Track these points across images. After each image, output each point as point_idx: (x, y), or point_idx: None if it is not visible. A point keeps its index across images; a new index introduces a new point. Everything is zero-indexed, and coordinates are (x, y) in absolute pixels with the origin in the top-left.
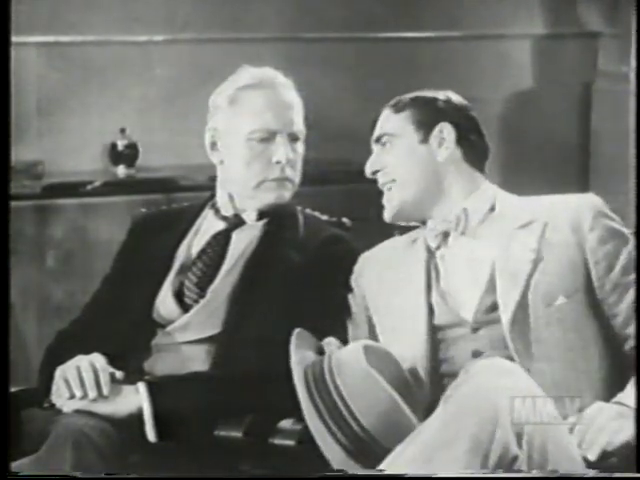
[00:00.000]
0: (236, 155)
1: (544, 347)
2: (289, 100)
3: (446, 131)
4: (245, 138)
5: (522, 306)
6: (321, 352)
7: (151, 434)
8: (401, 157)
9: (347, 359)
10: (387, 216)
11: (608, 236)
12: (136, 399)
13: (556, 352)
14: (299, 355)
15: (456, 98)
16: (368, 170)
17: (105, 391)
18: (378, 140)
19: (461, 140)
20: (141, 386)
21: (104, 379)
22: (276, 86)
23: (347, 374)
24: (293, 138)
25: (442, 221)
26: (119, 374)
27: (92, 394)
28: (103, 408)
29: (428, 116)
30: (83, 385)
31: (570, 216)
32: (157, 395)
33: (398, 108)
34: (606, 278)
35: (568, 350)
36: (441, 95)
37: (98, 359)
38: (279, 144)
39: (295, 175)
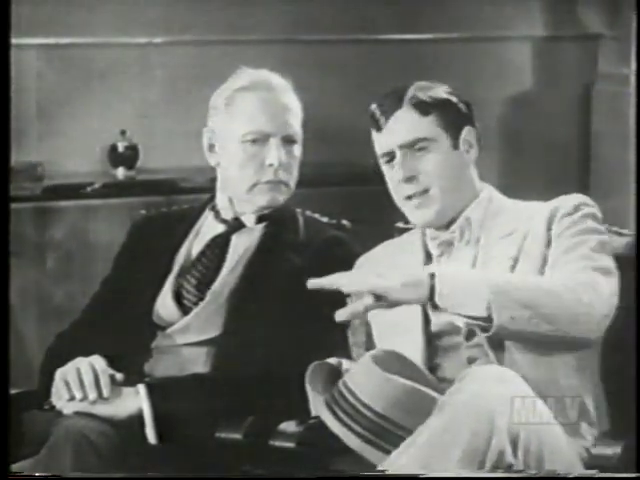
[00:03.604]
0: (231, 157)
1: (525, 352)
2: (285, 103)
3: (472, 136)
4: (239, 140)
5: None
6: (333, 375)
7: (151, 436)
8: (439, 163)
9: (360, 373)
10: (420, 221)
11: (574, 210)
12: (136, 401)
13: (539, 354)
14: (315, 391)
15: (459, 95)
16: (402, 175)
17: (105, 393)
18: (409, 146)
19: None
20: (141, 388)
21: (104, 381)
22: (272, 88)
23: (364, 385)
24: (288, 141)
25: (445, 230)
26: (119, 376)
27: (92, 396)
28: (103, 410)
29: (454, 120)
30: (83, 387)
31: (549, 215)
32: (157, 397)
33: (424, 111)
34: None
35: (553, 348)
36: (445, 92)
37: (98, 361)
38: (272, 147)
39: (290, 178)
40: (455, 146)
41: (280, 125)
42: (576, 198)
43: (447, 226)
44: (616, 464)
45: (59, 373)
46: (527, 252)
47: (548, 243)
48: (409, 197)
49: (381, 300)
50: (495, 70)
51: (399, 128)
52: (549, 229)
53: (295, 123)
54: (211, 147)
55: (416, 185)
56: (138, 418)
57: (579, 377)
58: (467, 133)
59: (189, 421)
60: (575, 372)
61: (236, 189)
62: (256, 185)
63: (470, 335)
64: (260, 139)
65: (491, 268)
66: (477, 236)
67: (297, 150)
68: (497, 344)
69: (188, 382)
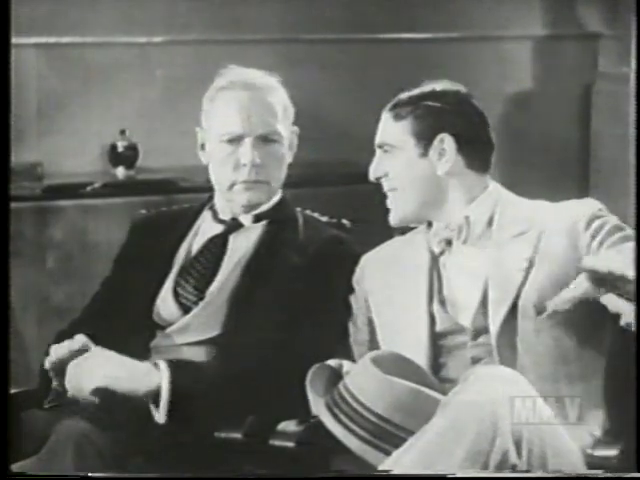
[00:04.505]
0: (214, 157)
1: (534, 357)
2: (267, 101)
3: (446, 143)
4: (218, 140)
5: (512, 316)
6: (333, 377)
7: (162, 414)
8: (401, 170)
9: (360, 376)
10: (392, 220)
11: (601, 228)
12: (156, 378)
13: (548, 361)
14: (315, 393)
15: (457, 93)
16: (371, 175)
17: (76, 346)
18: (380, 147)
19: (462, 149)
20: (162, 363)
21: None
22: (252, 87)
23: (364, 387)
24: (265, 140)
25: (445, 228)
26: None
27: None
28: (125, 385)
29: (429, 127)
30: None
31: (567, 221)
32: (175, 375)
33: (398, 116)
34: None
35: (561, 358)
36: (440, 93)
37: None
38: (245, 147)
39: (270, 177)
40: (423, 154)
41: (255, 125)
42: (593, 205)
43: (447, 224)
44: (616, 464)
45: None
46: (543, 254)
47: (574, 253)
48: (386, 194)
49: (601, 288)
50: (495, 69)
51: (379, 129)
52: (572, 238)
53: (275, 122)
54: (202, 146)
55: (387, 184)
56: (154, 396)
57: (582, 384)
58: (439, 141)
59: (200, 404)
60: (579, 379)
61: (220, 188)
62: (234, 185)
63: (476, 335)
64: (234, 139)
65: (506, 268)
66: (479, 234)
67: (278, 149)
68: (508, 345)
69: (205, 368)
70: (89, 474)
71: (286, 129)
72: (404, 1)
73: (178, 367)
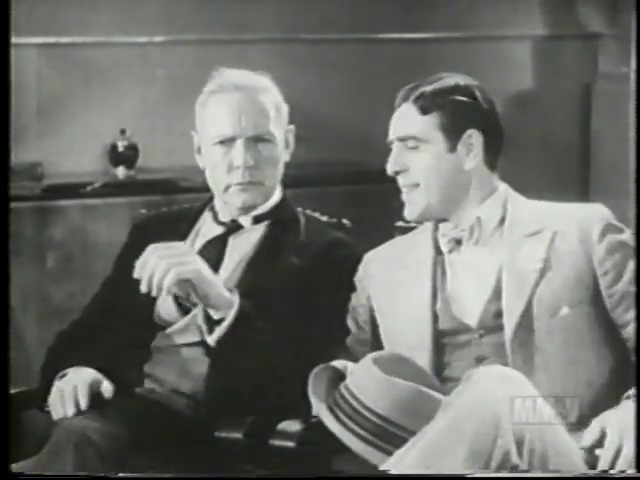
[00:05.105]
0: (208, 160)
1: (544, 357)
2: (257, 102)
3: (475, 139)
4: (210, 143)
5: (526, 316)
6: (336, 378)
7: (215, 337)
8: (428, 164)
9: (361, 376)
10: (410, 216)
11: (616, 247)
12: (230, 299)
13: (556, 363)
14: (317, 394)
15: (479, 88)
16: (390, 169)
17: (83, 404)
18: (402, 140)
19: (486, 145)
20: (234, 289)
21: (82, 392)
22: (242, 89)
23: (365, 387)
24: (257, 141)
25: (455, 228)
26: (107, 391)
27: (71, 411)
28: (205, 287)
29: (457, 122)
30: (64, 405)
31: (579, 226)
32: (243, 306)
33: (425, 108)
34: (614, 287)
35: (569, 360)
36: (464, 88)
37: (83, 375)
38: (237, 149)
39: (264, 177)
40: (452, 149)
41: (246, 126)
42: (603, 211)
43: (456, 224)
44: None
45: (51, 397)
46: (557, 256)
47: (587, 261)
48: (402, 189)
49: None
50: (495, 69)
51: (399, 121)
52: (585, 245)
53: (267, 122)
54: (199, 150)
55: (407, 179)
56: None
57: (587, 385)
58: (468, 136)
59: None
60: (585, 381)
61: (216, 191)
62: (229, 187)
63: (483, 334)
64: (226, 141)
65: (520, 268)
66: (490, 234)
67: (272, 149)
68: (520, 345)
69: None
70: (89, 474)
71: (280, 128)
72: (404, 1)
73: (245, 302)
